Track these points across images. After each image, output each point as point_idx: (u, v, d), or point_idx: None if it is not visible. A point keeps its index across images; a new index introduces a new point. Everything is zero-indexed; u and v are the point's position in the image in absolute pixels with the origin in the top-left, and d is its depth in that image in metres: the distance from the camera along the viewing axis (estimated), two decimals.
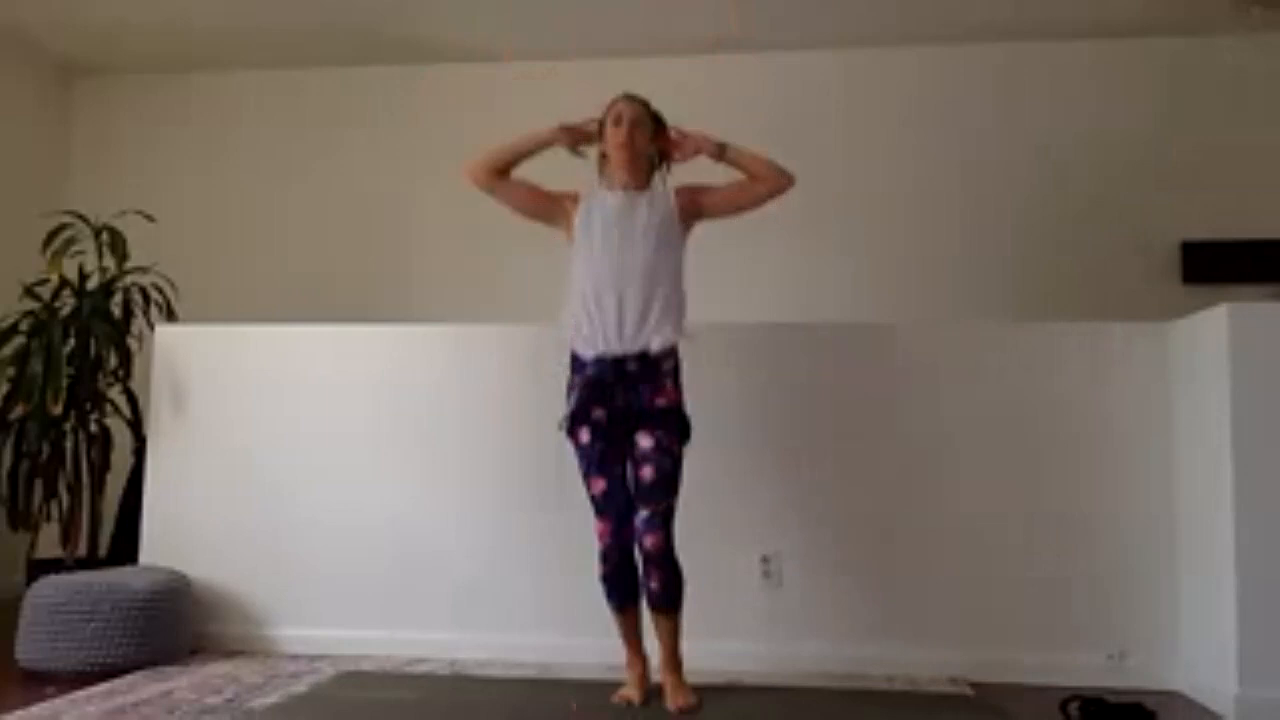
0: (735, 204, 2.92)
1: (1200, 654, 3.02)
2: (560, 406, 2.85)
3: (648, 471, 2.73)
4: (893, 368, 3.41)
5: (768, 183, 2.86)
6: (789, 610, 3.32)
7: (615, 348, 2.76)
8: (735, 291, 4.71)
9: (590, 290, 2.80)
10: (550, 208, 2.95)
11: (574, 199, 2.92)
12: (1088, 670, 3.14)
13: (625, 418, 2.78)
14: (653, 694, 2.81)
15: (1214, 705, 2.87)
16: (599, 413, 2.78)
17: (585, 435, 2.80)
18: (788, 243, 4.76)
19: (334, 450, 3.56)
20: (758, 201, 2.90)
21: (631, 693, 2.81)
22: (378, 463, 3.55)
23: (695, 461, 3.23)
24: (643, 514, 2.72)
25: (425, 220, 5.11)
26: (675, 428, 2.78)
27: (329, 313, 4.46)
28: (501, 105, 4.96)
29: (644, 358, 2.76)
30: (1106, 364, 3.31)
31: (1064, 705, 2.76)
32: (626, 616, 2.84)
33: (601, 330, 2.77)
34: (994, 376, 3.36)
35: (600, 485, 2.78)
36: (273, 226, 5.22)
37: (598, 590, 2.80)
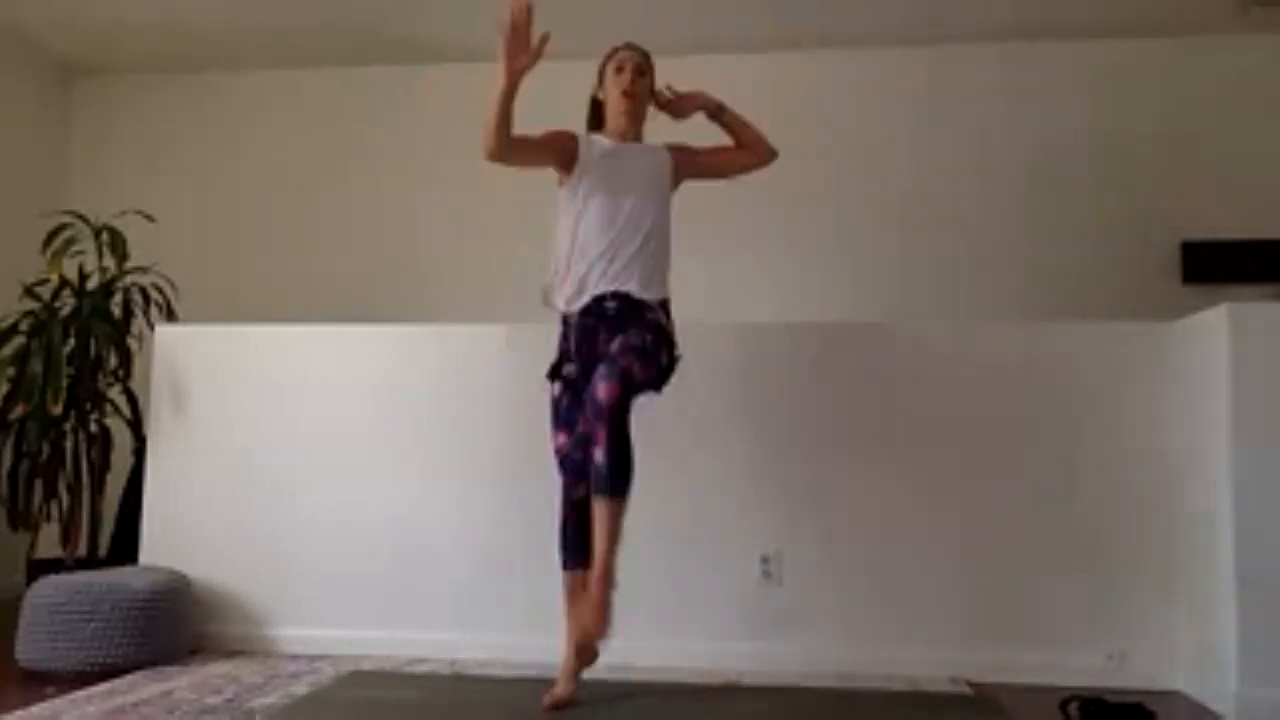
0: (720, 168, 3.01)
1: (1200, 654, 3.02)
2: None
3: (617, 344, 2.63)
4: (893, 367, 3.40)
5: (754, 152, 2.96)
6: (789, 610, 3.32)
7: (598, 289, 2.73)
8: (737, 291, 4.71)
9: (580, 237, 2.77)
10: (558, 149, 2.83)
11: (572, 136, 2.87)
12: (1088, 670, 3.14)
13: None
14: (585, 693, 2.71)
15: (1214, 705, 2.87)
16: (570, 368, 2.78)
17: (556, 388, 2.82)
18: (789, 242, 4.77)
19: (334, 450, 3.56)
20: (741, 169, 3.00)
21: (562, 690, 2.71)
22: (378, 463, 3.55)
23: (696, 461, 3.22)
24: (601, 368, 2.55)
25: (425, 220, 5.11)
26: (662, 338, 2.70)
27: (329, 313, 4.46)
28: None
29: (626, 298, 2.73)
30: (1107, 363, 3.31)
31: (1064, 705, 2.75)
32: (573, 578, 2.81)
33: (586, 278, 2.74)
34: (994, 376, 3.36)
35: (561, 439, 2.80)
36: (273, 226, 5.22)
37: None
